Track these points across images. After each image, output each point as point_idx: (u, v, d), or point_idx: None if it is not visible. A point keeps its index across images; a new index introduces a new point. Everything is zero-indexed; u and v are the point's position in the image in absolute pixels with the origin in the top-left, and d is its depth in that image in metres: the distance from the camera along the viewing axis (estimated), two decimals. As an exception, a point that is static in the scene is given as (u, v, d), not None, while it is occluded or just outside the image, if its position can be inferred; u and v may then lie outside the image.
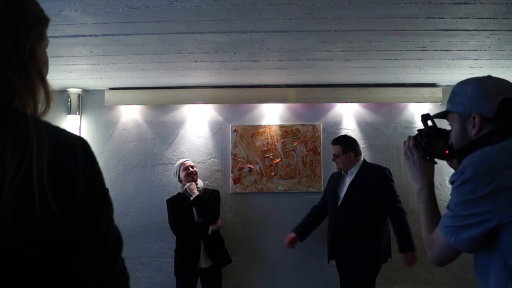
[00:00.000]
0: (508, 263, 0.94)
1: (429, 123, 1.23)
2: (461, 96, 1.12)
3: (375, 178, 2.88)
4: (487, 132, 1.05)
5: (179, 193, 3.15)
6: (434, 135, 1.20)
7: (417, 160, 1.23)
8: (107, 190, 0.75)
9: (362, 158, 3.00)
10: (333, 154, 2.98)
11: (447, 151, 1.17)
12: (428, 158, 1.22)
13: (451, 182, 1.03)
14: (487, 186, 0.94)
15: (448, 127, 1.20)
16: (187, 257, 3.01)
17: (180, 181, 3.14)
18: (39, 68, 0.70)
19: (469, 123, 1.09)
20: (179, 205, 3.08)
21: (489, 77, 1.13)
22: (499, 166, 0.95)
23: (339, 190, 2.95)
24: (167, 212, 3.15)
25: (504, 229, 0.93)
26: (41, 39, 0.72)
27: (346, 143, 2.96)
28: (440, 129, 1.21)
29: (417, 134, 1.24)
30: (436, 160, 1.24)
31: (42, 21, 0.71)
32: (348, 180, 2.93)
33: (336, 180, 3.05)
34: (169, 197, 3.22)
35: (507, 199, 0.92)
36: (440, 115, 1.20)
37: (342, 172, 3.00)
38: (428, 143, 1.20)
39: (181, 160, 3.21)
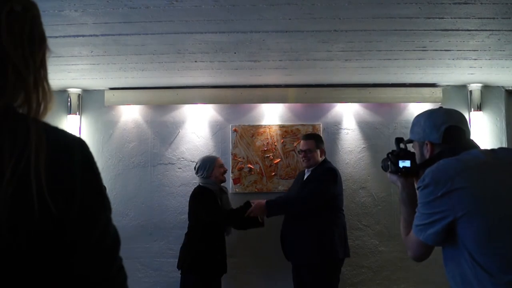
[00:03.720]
0: (469, 250, 1.15)
1: (401, 145, 1.53)
2: (417, 127, 1.42)
3: (320, 175, 2.89)
4: (435, 153, 1.35)
5: (204, 187, 2.96)
6: (399, 156, 1.49)
7: (389, 174, 1.55)
8: (104, 188, 0.76)
9: (324, 158, 3.02)
10: (305, 150, 2.95)
11: (399, 173, 1.48)
12: (398, 174, 1.50)
13: (417, 188, 1.28)
14: (442, 188, 1.18)
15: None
16: (220, 257, 2.92)
17: (209, 176, 2.97)
18: (46, 74, 0.73)
19: (424, 148, 1.39)
20: (211, 198, 2.93)
21: (439, 109, 1.44)
22: (451, 172, 1.19)
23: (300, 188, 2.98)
24: (196, 205, 2.92)
25: (459, 222, 1.16)
26: (48, 50, 0.75)
27: (320, 139, 3.02)
28: (407, 152, 1.51)
29: (388, 153, 1.54)
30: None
31: (45, 35, 0.75)
32: (306, 177, 2.98)
33: (299, 178, 3.09)
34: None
35: (458, 198, 1.16)
36: (407, 142, 1.52)
37: (305, 170, 3.02)
38: (392, 163, 1.50)
39: (214, 156, 3.12)
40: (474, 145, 1.33)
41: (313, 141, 2.96)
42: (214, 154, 3.56)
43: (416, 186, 1.32)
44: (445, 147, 1.33)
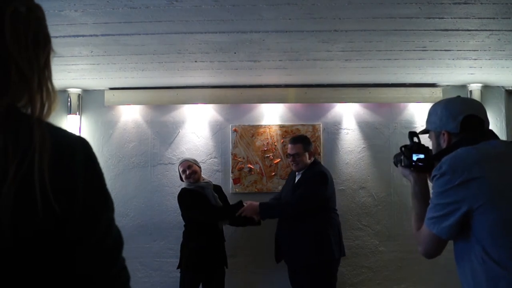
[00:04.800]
0: (482, 244, 1.11)
1: (415, 139, 1.46)
2: (433, 117, 1.38)
3: (311, 178, 2.87)
4: (452, 143, 1.30)
5: (187, 189, 3.02)
6: (413, 150, 1.43)
7: (401, 167, 1.49)
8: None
9: (313, 159, 3.00)
10: (293, 154, 2.93)
11: (412, 167, 1.42)
12: (411, 168, 1.45)
13: (432, 177, 1.22)
14: (459, 177, 1.13)
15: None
16: (213, 253, 2.94)
17: (183, 179, 3.08)
18: (50, 75, 0.73)
19: (441, 138, 1.34)
20: (195, 197, 2.97)
21: (456, 98, 1.40)
22: (468, 160, 1.15)
23: (291, 190, 2.97)
24: (185, 206, 2.98)
25: (474, 213, 1.12)
26: (52, 51, 0.76)
27: (307, 142, 2.99)
28: (420, 145, 1.44)
29: (402, 147, 1.48)
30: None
31: (50, 36, 0.76)
32: (297, 180, 2.97)
33: (290, 179, 3.08)
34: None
35: (476, 188, 1.12)
36: (423, 132, 1.45)
37: (296, 173, 3.01)
38: (405, 156, 1.45)
39: (180, 161, 3.14)
40: (493, 135, 1.28)
41: (301, 145, 2.93)
42: (214, 154, 3.57)
43: (431, 175, 1.25)
44: (463, 137, 1.27)
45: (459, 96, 1.41)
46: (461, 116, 1.29)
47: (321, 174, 2.88)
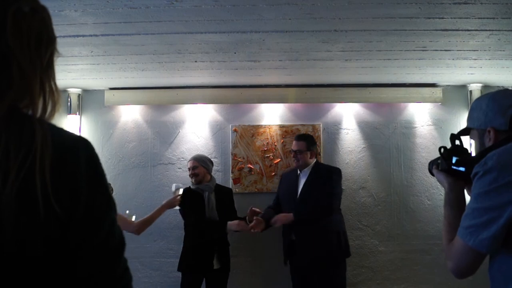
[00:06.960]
0: None
1: (457, 142, 1.27)
2: (477, 112, 1.16)
3: (326, 175, 2.93)
4: (501, 140, 1.08)
5: (189, 188, 3.05)
6: (451, 153, 1.24)
7: (436, 170, 1.28)
8: (112, 189, 0.76)
9: (315, 160, 3.04)
10: (295, 151, 2.98)
11: (449, 171, 1.22)
12: (446, 172, 1.26)
13: (474, 175, 1.03)
14: (509, 175, 0.94)
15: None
16: (200, 255, 2.94)
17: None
18: (53, 76, 0.73)
19: (486, 137, 1.13)
20: (193, 200, 3.00)
21: (505, 90, 1.18)
22: None
23: (296, 190, 2.98)
24: (181, 206, 3.03)
25: None
26: (56, 51, 0.76)
27: (311, 141, 3.03)
28: (463, 150, 1.24)
29: (441, 147, 1.28)
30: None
31: (55, 38, 0.76)
32: (303, 180, 2.98)
33: (290, 181, 3.07)
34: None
35: None
36: (463, 132, 1.25)
37: (298, 172, 3.02)
38: (444, 159, 1.25)
39: (191, 157, 3.15)
40: None
41: (304, 142, 2.97)
42: (214, 154, 3.57)
43: (472, 172, 1.05)
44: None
45: (507, 89, 1.20)
46: (511, 110, 1.08)
47: (338, 170, 3.00)
